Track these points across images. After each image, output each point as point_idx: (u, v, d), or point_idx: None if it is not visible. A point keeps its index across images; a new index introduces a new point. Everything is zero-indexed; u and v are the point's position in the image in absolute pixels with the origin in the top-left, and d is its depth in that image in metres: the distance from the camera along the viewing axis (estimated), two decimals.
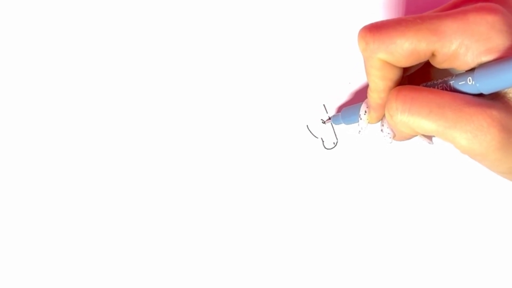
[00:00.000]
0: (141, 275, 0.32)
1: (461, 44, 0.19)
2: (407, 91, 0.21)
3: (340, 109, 0.31)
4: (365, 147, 0.31)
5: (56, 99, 0.32)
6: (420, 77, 0.25)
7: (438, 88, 0.22)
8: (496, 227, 0.31)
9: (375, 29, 0.21)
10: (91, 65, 0.32)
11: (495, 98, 0.20)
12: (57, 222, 0.32)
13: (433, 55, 0.20)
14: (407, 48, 0.20)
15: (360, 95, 0.31)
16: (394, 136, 0.25)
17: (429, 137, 0.29)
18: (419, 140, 0.28)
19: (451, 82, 0.21)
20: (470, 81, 0.20)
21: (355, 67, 0.31)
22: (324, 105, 0.31)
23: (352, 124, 0.29)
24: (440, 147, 0.31)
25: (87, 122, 0.32)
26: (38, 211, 0.32)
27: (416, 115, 0.20)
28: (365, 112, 0.25)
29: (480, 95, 0.20)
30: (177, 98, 0.32)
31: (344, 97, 0.31)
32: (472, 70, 0.20)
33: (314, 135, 0.31)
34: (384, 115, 0.25)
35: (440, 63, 0.21)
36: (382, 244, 0.32)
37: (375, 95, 0.23)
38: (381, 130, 0.25)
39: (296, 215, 0.32)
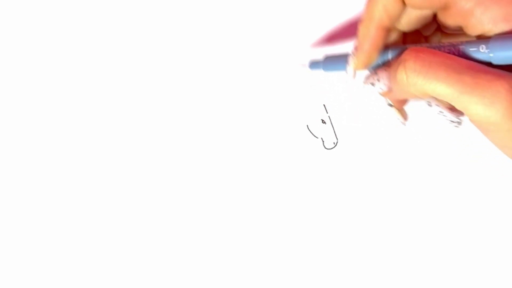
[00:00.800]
0: (141, 275, 0.32)
1: (481, 2, 0.19)
2: (425, 53, 0.20)
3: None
4: (365, 147, 0.31)
5: (56, 99, 0.32)
6: (412, 40, 0.25)
7: (444, 51, 0.21)
8: (496, 227, 0.31)
9: None
10: (91, 65, 0.32)
11: (505, 69, 0.20)
12: (57, 222, 0.32)
13: (446, 6, 0.20)
14: None
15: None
16: (386, 93, 0.24)
17: (405, 117, 0.28)
18: (393, 116, 0.27)
19: (461, 47, 0.20)
20: (482, 49, 0.19)
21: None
22: (324, 105, 0.31)
23: (331, 72, 0.28)
24: (440, 147, 0.31)
25: (87, 122, 0.32)
26: (38, 211, 0.32)
27: (434, 78, 0.20)
28: (353, 55, 0.24)
29: (489, 64, 0.20)
30: (177, 98, 0.32)
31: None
32: (484, 38, 0.19)
33: (314, 135, 0.31)
34: (371, 62, 0.24)
35: (450, 16, 0.20)
36: (382, 243, 0.32)
37: (365, 29, 0.22)
38: (372, 84, 0.24)
39: (297, 214, 0.32)
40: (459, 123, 0.23)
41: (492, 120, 0.19)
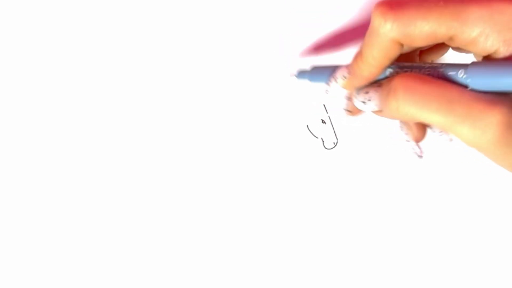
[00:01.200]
0: (141, 275, 0.33)
1: (482, 33, 0.19)
2: (416, 82, 0.20)
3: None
4: (365, 147, 0.31)
5: (56, 99, 0.32)
6: (403, 57, 0.25)
7: (425, 72, 0.21)
8: (496, 227, 0.31)
9: (396, 7, 0.20)
10: (91, 65, 0.32)
11: (500, 94, 0.20)
12: (57, 222, 0.33)
13: (450, 39, 0.20)
14: (426, 31, 0.19)
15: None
16: (378, 113, 0.24)
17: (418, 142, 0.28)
18: (409, 150, 0.27)
19: (440, 70, 0.21)
20: (461, 74, 0.20)
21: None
22: (324, 105, 0.31)
23: (317, 83, 0.28)
24: (441, 147, 0.31)
25: (87, 122, 0.32)
26: (38, 211, 0.33)
27: (425, 108, 0.20)
28: (344, 77, 0.24)
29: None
30: (177, 98, 0.32)
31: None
32: (465, 64, 0.20)
33: (314, 135, 0.31)
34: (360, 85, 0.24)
35: (455, 45, 0.20)
36: (382, 244, 0.32)
37: (365, 68, 0.22)
38: (363, 102, 0.24)
39: (297, 214, 0.32)
40: (451, 140, 0.23)
41: (484, 147, 0.19)
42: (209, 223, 0.32)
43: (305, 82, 0.29)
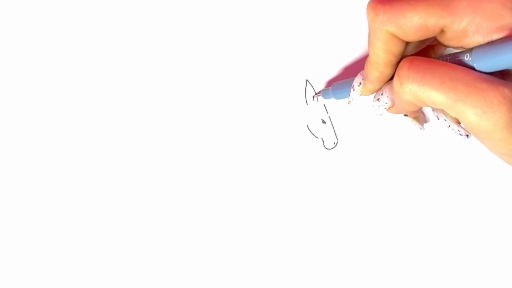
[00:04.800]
0: (141, 275, 0.32)
1: (472, 22, 0.19)
2: (420, 61, 0.21)
3: (329, 84, 0.31)
4: (366, 147, 0.31)
5: (56, 99, 0.32)
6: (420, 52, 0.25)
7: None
8: (496, 227, 0.31)
9: (385, 1, 0.20)
10: (91, 65, 0.32)
11: (506, 77, 0.20)
12: (57, 222, 0.32)
13: (442, 31, 0.20)
14: (417, 22, 0.20)
15: (350, 72, 0.31)
16: (390, 107, 0.24)
17: (421, 122, 0.29)
18: (410, 124, 0.28)
19: (449, 58, 0.21)
20: (467, 57, 0.20)
21: (353, 63, 0.31)
22: (324, 105, 0.31)
23: (342, 100, 0.29)
24: (441, 148, 0.31)
25: (87, 122, 0.32)
26: (38, 211, 0.32)
27: (427, 85, 0.20)
28: (360, 83, 0.25)
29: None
30: (177, 98, 0.32)
31: (333, 72, 0.31)
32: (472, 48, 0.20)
33: (314, 135, 0.31)
34: (377, 88, 0.25)
35: (448, 40, 0.21)
36: (382, 244, 0.31)
37: (374, 68, 0.23)
38: (377, 100, 0.25)
39: (297, 215, 0.32)
40: (468, 135, 0.23)
41: (484, 129, 0.19)
42: (210, 223, 0.32)
43: (337, 105, 0.30)
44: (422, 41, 0.23)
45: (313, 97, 0.31)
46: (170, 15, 0.31)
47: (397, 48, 0.22)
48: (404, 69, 0.21)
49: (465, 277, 0.31)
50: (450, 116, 0.22)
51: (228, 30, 0.31)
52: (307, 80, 0.31)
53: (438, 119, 0.23)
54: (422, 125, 0.29)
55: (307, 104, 0.31)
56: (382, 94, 0.24)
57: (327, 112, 0.31)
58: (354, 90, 0.26)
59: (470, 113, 0.19)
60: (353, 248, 0.32)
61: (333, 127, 0.31)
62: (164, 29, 0.31)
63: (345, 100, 0.29)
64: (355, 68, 0.31)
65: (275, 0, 0.31)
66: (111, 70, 0.32)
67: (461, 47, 0.21)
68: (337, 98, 0.29)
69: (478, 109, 0.18)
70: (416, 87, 0.20)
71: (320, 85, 0.31)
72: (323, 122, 0.31)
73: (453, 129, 0.23)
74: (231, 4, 0.31)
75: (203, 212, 0.32)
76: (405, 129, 0.31)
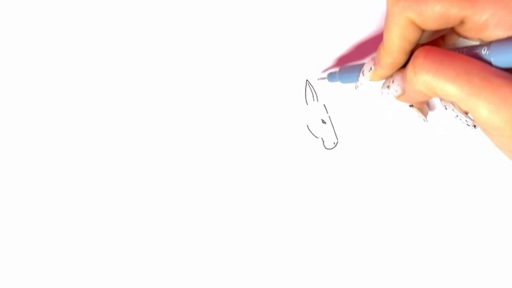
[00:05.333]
0: (141, 275, 0.32)
1: (494, 15, 0.19)
2: (436, 51, 0.20)
3: (337, 64, 0.30)
4: (365, 147, 0.31)
5: (56, 99, 0.32)
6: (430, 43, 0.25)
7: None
8: (496, 227, 0.31)
9: None
10: (91, 65, 0.32)
11: None
12: (57, 222, 0.32)
13: (462, 22, 0.20)
14: (438, 11, 0.20)
15: (357, 55, 0.30)
16: (400, 96, 0.24)
17: (425, 114, 0.29)
18: (414, 116, 0.28)
19: (465, 50, 0.21)
20: (484, 51, 0.20)
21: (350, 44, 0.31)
22: (324, 105, 0.31)
23: (348, 84, 0.29)
24: (441, 148, 0.31)
25: (87, 122, 0.32)
26: (38, 211, 0.32)
27: (442, 77, 0.19)
28: (371, 68, 0.25)
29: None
30: (177, 98, 0.32)
31: (347, 46, 0.30)
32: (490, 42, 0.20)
33: (314, 135, 0.31)
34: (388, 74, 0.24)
35: (467, 31, 0.20)
36: (382, 244, 0.32)
37: (387, 54, 0.23)
38: (387, 87, 0.24)
39: (297, 214, 0.32)
40: (475, 126, 0.23)
41: (496, 125, 0.19)
42: (210, 222, 0.32)
43: (337, 84, 0.30)
44: (437, 31, 0.23)
45: (318, 79, 0.30)
46: (170, 15, 0.31)
47: (413, 36, 0.21)
48: (420, 58, 0.20)
49: (465, 277, 0.31)
50: (458, 106, 0.22)
51: (228, 30, 0.31)
52: (307, 80, 0.31)
53: (446, 109, 0.23)
54: (426, 117, 0.29)
55: (307, 104, 0.31)
56: (393, 82, 0.24)
57: (327, 112, 0.31)
58: (363, 75, 0.25)
59: (483, 108, 0.19)
60: (353, 248, 0.32)
61: (333, 127, 0.31)
62: (164, 29, 0.31)
63: (351, 85, 0.28)
64: (351, 48, 0.31)
65: (275, 0, 0.31)
66: (111, 70, 0.32)
67: (479, 40, 0.21)
68: (343, 82, 0.28)
69: (491, 104, 0.18)
70: (430, 77, 0.20)
71: (320, 85, 0.31)
72: (323, 122, 0.31)
73: (460, 119, 0.23)
74: (231, 4, 0.31)
75: (203, 211, 0.32)
76: (405, 129, 0.31)
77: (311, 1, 0.31)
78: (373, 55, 0.25)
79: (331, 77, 0.29)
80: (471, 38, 0.21)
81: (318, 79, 0.30)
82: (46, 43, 0.32)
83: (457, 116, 0.23)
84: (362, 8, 0.30)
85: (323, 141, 0.31)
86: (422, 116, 0.28)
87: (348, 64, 0.28)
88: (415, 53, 0.21)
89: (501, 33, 0.19)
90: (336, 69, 0.29)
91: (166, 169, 0.32)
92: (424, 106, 0.29)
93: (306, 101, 0.31)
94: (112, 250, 0.32)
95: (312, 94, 0.31)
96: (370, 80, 0.25)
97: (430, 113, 0.31)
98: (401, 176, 0.31)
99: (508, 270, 0.31)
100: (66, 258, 0.33)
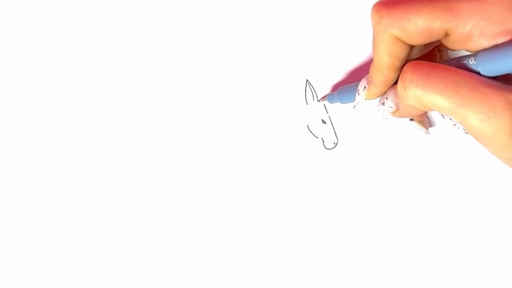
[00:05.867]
0: (141, 275, 0.32)
1: (476, 25, 0.19)
2: (423, 65, 0.20)
3: (335, 88, 0.31)
4: (366, 147, 0.31)
5: (56, 99, 0.32)
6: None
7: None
8: (496, 227, 0.31)
9: (390, 4, 0.20)
10: (92, 65, 0.32)
11: (510, 82, 0.20)
12: (57, 222, 0.32)
13: (446, 34, 0.20)
14: (421, 26, 0.20)
15: (355, 76, 0.31)
16: (395, 112, 0.24)
17: (426, 127, 0.29)
18: (415, 129, 0.28)
19: (453, 62, 0.21)
20: (472, 61, 0.20)
21: (354, 63, 0.31)
22: (324, 105, 0.31)
23: (348, 104, 0.30)
24: (441, 148, 0.31)
25: (87, 122, 0.32)
26: (38, 211, 0.32)
27: (431, 89, 0.20)
28: (365, 87, 0.25)
29: (493, 77, 0.20)
30: (177, 98, 0.32)
31: (338, 76, 0.31)
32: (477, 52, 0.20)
33: (314, 135, 0.31)
34: (383, 92, 0.25)
35: (453, 43, 0.21)
36: (382, 244, 0.31)
37: (378, 72, 0.23)
38: (382, 104, 0.25)
39: (297, 215, 0.32)
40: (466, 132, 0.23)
41: (487, 134, 0.19)
42: (210, 223, 0.32)
43: (337, 105, 0.30)
44: (426, 45, 0.23)
45: (318, 101, 0.31)
46: (170, 15, 0.31)
47: (401, 52, 0.22)
48: (408, 73, 0.21)
49: (465, 277, 0.31)
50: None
51: (228, 30, 0.31)
52: (307, 80, 0.31)
53: (444, 118, 0.23)
54: (427, 129, 0.29)
55: (307, 104, 0.31)
56: (386, 98, 0.24)
57: (327, 112, 0.31)
58: (359, 94, 0.26)
59: (474, 118, 0.19)
60: (353, 248, 0.32)
61: (333, 127, 0.31)
62: (164, 30, 0.31)
63: (351, 104, 0.29)
64: (356, 68, 0.31)
65: (276, 0, 0.31)
66: (112, 70, 0.32)
67: (466, 50, 0.21)
68: (342, 102, 0.29)
69: (481, 114, 0.18)
70: (419, 91, 0.20)
71: (320, 85, 0.31)
72: (323, 122, 0.31)
73: (458, 128, 0.23)
74: (231, 4, 0.31)
75: (203, 212, 0.32)
76: (405, 130, 0.31)
77: (311, 1, 0.31)
78: (367, 75, 0.26)
79: (330, 98, 0.30)
80: (458, 49, 0.21)
81: (318, 101, 0.31)
82: (46, 43, 0.32)
83: (455, 124, 0.23)
84: (362, 9, 0.30)
85: (323, 141, 0.31)
86: (423, 129, 0.28)
87: (344, 86, 0.29)
88: (404, 69, 0.21)
89: (485, 43, 0.19)
90: (334, 92, 0.30)
91: (166, 169, 0.32)
92: (424, 119, 0.29)
93: (306, 101, 0.31)
94: (112, 250, 0.32)
95: (312, 94, 0.31)
96: (365, 99, 0.26)
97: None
98: (401, 176, 0.31)
99: (508, 270, 0.31)
100: (66, 258, 0.33)
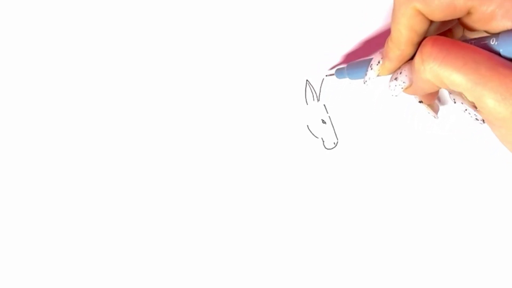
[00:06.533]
0: (141, 275, 0.32)
1: (501, 5, 0.19)
2: (444, 40, 0.20)
3: (344, 61, 0.30)
4: (366, 147, 0.31)
5: (56, 99, 0.32)
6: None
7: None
8: (496, 227, 0.31)
9: None
10: (92, 65, 0.32)
11: None
12: (57, 222, 0.32)
13: (469, 13, 0.20)
14: (445, 1, 0.19)
15: (365, 52, 0.30)
16: (407, 88, 0.24)
17: (435, 110, 0.29)
18: (424, 112, 0.28)
19: (474, 41, 0.21)
20: (493, 42, 0.20)
21: (357, 40, 0.31)
22: (324, 105, 0.31)
23: (348, 103, 0.29)
24: (441, 148, 0.31)
25: (88, 122, 0.32)
26: (38, 211, 0.32)
27: (450, 65, 0.19)
28: (379, 62, 0.25)
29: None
30: (177, 98, 0.32)
31: (351, 46, 0.30)
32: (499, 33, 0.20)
33: (314, 135, 0.31)
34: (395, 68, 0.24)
35: (474, 22, 0.20)
36: (382, 243, 0.32)
37: (395, 46, 0.23)
38: (395, 79, 0.24)
39: (297, 214, 0.32)
40: (484, 121, 0.23)
41: (501, 116, 0.19)
42: (210, 222, 0.32)
43: (345, 80, 0.29)
44: (445, 23, 0.23)
45: (326, 75, 0.30)
46: (170, 15, 0.31)
47: (421, 26, 0.21)
48: (427, 47, 0.20)
49: (465, 277, 0.31)
50: (467, 100, 0.22)
51: (228, 30, 0.31)
52: (307, 80, 0.31)
53: (455, 102, 0.23)
54: (436, 114, 0.29)
55: (307, 104, 0.31)
56: (400, 73, 0.24)
57: (327, 112, 0.31)
58: (372, 69, 0.25)
59: (489, 98, 0.18)
60: (353, 248, 0.32)
61: (333, 127, 0.31)
62: (164, 30, 0.31)
63: (359, 82, 0.28)
64: (359, 44, 0.30)
65: (276, 0, 0.31)
66: (112, 71, 0.32)
67: (486, 31, 0.21)
68: (351, 78, 0.28)
69: (498, 94, 0.18)
70: (437, 65, 0.20)
71: (320, 85, 0.31)
72: (323, 122, 0.31)
73: (469, 113, 0.22)
74: (231, 4, 0.31)
75: (203, 211, 0.32)
76: (405, 130, 0.31)
77: (311, 1, 0.31)
78: (381, 49, 0.25)
79: (339, 73, 0.29)
80: (478, 29, 0.21)
81: (326, 75, 0.30)
82: (46, 43, 0.32)
83: (466, 110, 0.22)
84: (364, 7, 0.30)
85: (323, 141, 0.31)
86: (432, 113, 0.28)
87: (356, 60, 0.28)
88: (423, 42, 0.21)
89: (509, 24, 0.19)
90: (344, 65, 0.29)
91: (167, 169, 0.32)
92: (434, 103, 0.29)
93: (306, 101, 0.31)
94: (112, 250, 0.32)
95: (312, 94, 0.31)
96: (378, 75, 0.25)
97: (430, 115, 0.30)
98: (401, 176, 0.31)
99: (508, 270, 0.31)
100: (66, 258, 0.33)
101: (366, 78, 0.26)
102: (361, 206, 0.31)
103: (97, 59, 0.32)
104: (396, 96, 0.25)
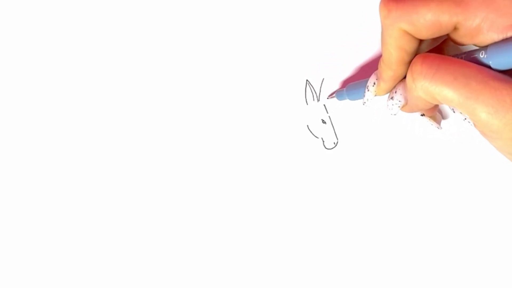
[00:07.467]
0: (141, 275, 0.32)
1: (486, 18, 0.19)
2: (433, 57, 0.20)
3: (343, 84, 0.31)
4: (366, 147, 0.31)
5: (56, 99, 0.32)
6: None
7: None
8: (496, 227, 0.31)
9: None
10: (92, 65, 0.32)
11: None
12: (57, 222, 0.32)
13: (455, 28, 0.20)
14: (430, 19, 0.20)
15: (363, 73, 0.31)
16: (404, 106, 0.24)
17: (438, 121, 0.29)
18: (427, 124, 0.28)
19: (463, 56, 0.21)
20: (482, 55, 0.20)
21: (355, 64, 0.31)
22: (324, 105, 0.31)
23: (348, 103, 0.29)
24: (441, 148, 0.31)
25: (88, 122, 0.32)
26: (38, 211, 0.32)
27: (440, 81, 0.20)
28: (374, 83, 0.25)
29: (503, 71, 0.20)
30: (177, 98, 0.32)
31: (347, 72, 0.31)
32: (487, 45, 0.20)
33: (314, 135, 0.31)
34: (392, 87, 0.25)
35: (461, 37, 0.20)
36: (382, 244, 0.32)
37: (387, 67, 0.23)
38: (391, 98, 0.24)
39: (297, 215, 0.32)
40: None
41: (495, 128, 0.19)
42: (210, 223, 0.32)
43: (346, 102, 0.30)
44: (435, 39, 0.23)
45: (327, 97, 0.31)
46: (170, 15, 0.31)
47: (410, 46, 0.21)
48: (417, 65, 0.21)
49: (465, 277, 0.31)
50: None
51: (228, 30, 0.31)
52: (307, 80, 0.31)
53: (454, 112, 0.23)
54: (439, 124, 0.29)
55: (307, 104, 0.31)
56: (395, 92, 0.24)
57: (327, 112, 0.31)
58: (368, 90, 0.26)
59: (482, 111, 0.19)
60: (353, 248, 0.32)
61: (333, 127, 0.31)
62: (164, 30, 0.31)
63: (359, 101, 0.29)
64: (356, 68, 0.31)
65: (276, 0, 0.31)
66: (112, 71, 0.32)
67: (475, 45, 0.21)
68: (351, 99, 0.29)
69: (490, 107, 0.18)
70: (428, 83, 0.20)
71: (320, 85, 0.31)
72: (323, 122, 0.31)
73: (468, 122, 0.23)
74: (231, 4, 0.31)
75: (203, 212, 0.32)
76: (405, 130, 0.31)
77: (311, 1, 0.31)
78: (376, 71, 0.25)
79: (339, 95, 0.30)
80: (467, 43, 0.21)
81: (327, 98, 0.31)
82: (46, 43, 0.32)
83: (465, 118, 0.23)
84: (364, 6, 0.30)
85: (323, 141, 0.31)
86: (435, 124, 0.28)
87: (353, 82, 0.29)
88: (413, 60, 0.21)
89: (495, 36, 0.19)
90: (343, 89, 0.30)
91: (166, 169, 0.32)
92: (436, 114, 0.29)
93: (306, 101, 0.31)
94: (112, 250, 0.32)
95: (312, 94, 0.31)
96: (375, 95, 0.26)
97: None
98: (401, 176, 0.31)
99: (508, 270, 0.31)
100: (66, 258, 0.33)
101: (365, 99, 0.26)
102: (361, 206, 0.31)
103: (97, 59, 0.32)
104: (394, 115, 0.26)
